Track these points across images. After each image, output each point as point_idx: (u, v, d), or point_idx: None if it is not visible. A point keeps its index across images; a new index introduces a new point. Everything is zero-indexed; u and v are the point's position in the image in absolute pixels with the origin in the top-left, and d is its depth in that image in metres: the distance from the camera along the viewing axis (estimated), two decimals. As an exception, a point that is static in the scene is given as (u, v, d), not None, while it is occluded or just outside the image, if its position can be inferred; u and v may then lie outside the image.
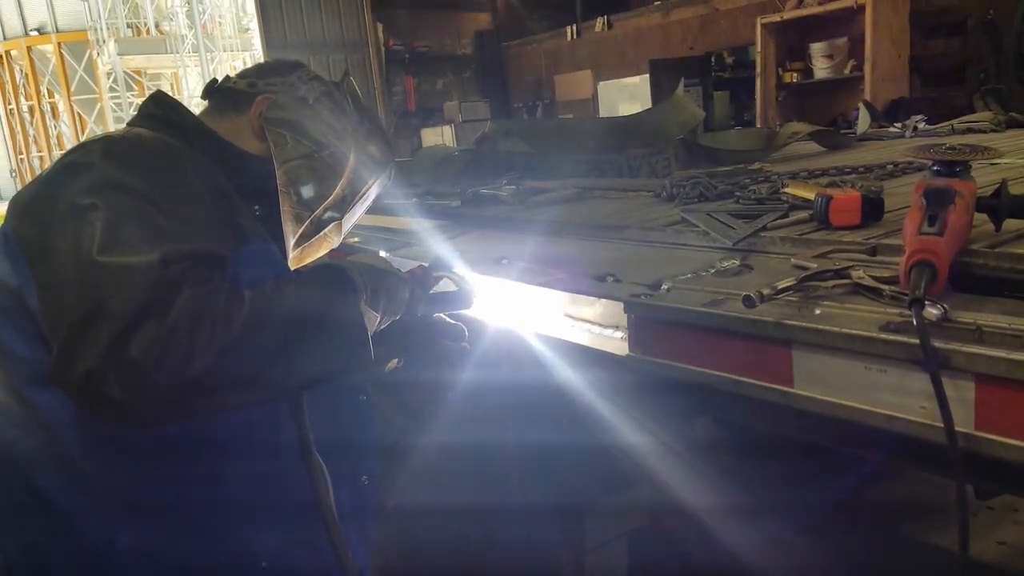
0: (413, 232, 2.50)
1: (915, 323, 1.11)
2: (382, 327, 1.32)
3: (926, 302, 1.15)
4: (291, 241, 1.48)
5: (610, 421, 1.70)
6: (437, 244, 2.32)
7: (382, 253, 2.31)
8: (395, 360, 1.48)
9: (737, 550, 2.13)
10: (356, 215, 1.61)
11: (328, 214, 1.53)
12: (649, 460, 1.85)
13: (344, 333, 1.20)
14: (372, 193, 1.61)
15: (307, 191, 1.47)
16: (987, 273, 1.38)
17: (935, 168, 1.44)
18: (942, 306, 1.15)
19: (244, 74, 1.56)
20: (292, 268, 1.50)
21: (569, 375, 1.69)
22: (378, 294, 1.28)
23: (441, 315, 1.47)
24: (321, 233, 1.54)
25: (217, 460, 1.27)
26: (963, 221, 1.34)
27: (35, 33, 26.28)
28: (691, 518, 2.10)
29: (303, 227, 1.49)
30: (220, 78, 1.59)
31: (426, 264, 1.54)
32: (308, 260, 1.57)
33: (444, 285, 1.49)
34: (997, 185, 1.45)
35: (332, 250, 1.64)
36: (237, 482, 1.29)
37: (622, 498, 2.29)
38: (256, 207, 1.40)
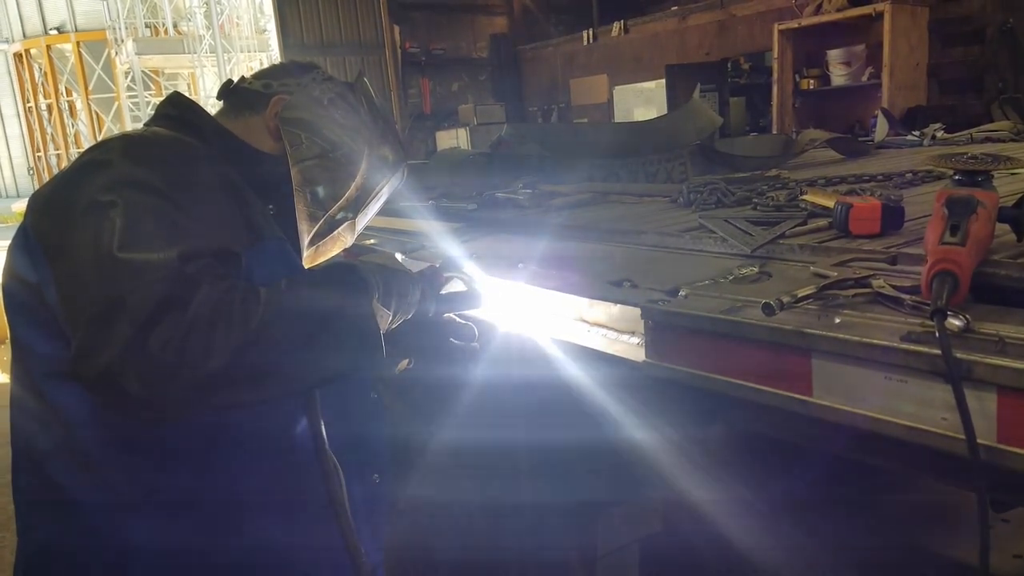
0: (429, 234, 2.50)
1: (937, 334, 1.10)
2: (393, 326, 1.32)
3: (948, 312, 1.13)
4: (305, 240, 1.48)
5: (625, 426, 1.69)
6: (453, 247, 2.31)
7: (398, 255, 2.31)
8: (407, 360, 1.48)
9: (751, 556, 2.11)
10: (369, 215, 1.62)
11: (341, 214, 1.54)
12: (663, 465, 1.84)
13: (357, 331, 1.20)
14: (385, 193, 1.62)
15: (321, 190, 1.47)
16: (1009, 284, 1.36)
17: (957, 177, 1.43)
18: (964, 317, 1.14)
19: (259, 75, 1.57)
20: (306, 267, 1.50)
21: (585, 380, 1.68)
22: (390, 293, 1.28)
23: (451, 315, 1.47)
24: (335, 232, 1.54)
25: (232, 457, 1.27)
26: (985, 231, 1.32)
27: (54, 32, 26.55)
28: (705, 523, 2.09)
29: (317, 226, 1.49)
30: (235, 79, 1.59)
31: (436, 264, 1.54)
32: (322, 259, 1.57)
33: (454, 285, 1.49)
34: (1019, 195, 1.44)
35: (345, 250, 1.65)
36: (252, 479, 1.29)
37: (635, 503, 2.28)
38: (271, 206, 1.41)
